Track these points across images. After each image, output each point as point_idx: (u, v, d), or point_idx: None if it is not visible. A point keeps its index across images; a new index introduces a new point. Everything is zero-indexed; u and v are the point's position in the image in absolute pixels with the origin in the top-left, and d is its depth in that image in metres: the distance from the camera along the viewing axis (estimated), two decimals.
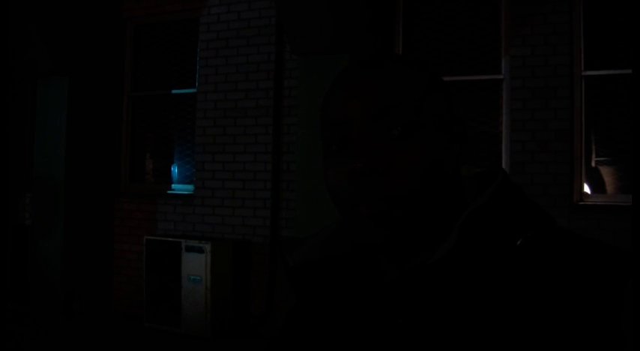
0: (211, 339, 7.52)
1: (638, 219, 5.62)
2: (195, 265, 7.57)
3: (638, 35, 5.73)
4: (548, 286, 0.99)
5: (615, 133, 6.87)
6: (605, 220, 6.54)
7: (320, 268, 1.26)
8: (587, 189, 6.88)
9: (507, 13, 7.14)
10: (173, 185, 8.86)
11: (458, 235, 1.05)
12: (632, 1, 5.95)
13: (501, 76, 7.16)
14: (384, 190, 1.04)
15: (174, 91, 8.95)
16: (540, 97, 6.87)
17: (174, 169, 8.95)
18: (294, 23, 6.62)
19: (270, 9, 7.93)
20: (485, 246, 1.06)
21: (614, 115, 6.85)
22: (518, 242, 1.05)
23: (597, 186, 6.90)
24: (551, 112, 6.82)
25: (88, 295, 8.50)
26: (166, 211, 8.63)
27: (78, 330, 7.99)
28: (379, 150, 1.05)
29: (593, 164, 6.92)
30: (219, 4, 8.38)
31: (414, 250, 1.11)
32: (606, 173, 6.93)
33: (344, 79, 1.15)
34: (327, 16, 6.41)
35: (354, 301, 1.19)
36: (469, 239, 1.05)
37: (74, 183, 8.41)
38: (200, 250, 7.53)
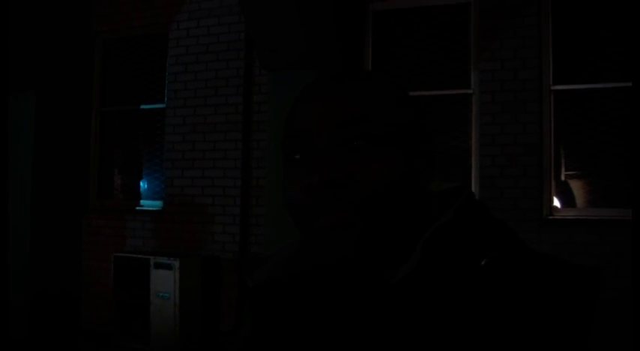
0: None
1: (638, 223, 5.66)
2: (164, 282, 7.51)
3: (638, 42, 5.78)
4: (515, 307, 0.97)
5: (584, 146, 6.90)
6: (576, 234, 6.57)
7: (281, 287, 1.23)
8: (557, 203, 6.90)
9: (477, 27, 7.16)
10: (142, 201, 8.79)
11: (421, 253, 1.02)
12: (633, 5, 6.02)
13: (471, 91, 7.17)
14: (345, 202, 1.02)
15: (143, 107, 8.88)
16: (510, 111, 6.89)
17: (143, 185, 8.89)
18: (263, 38, 6.61)
19: (239, 24, 7.91)
20: (448, 265, 1.03)
21: (582, 129, 6.88)
22: (483, 262, 1.02)
23: (567, 200, 6.92)
24: (521, 126, 6.84)
25: (55, 313, 8.39)
26: (135, 227, 8.56)
27: (45, 348, 7.89)
28: (339, 162, 1.03)
29: (562, 178, 6.95)
30: (188, 18, 8.35)
31: (379, 266, 1.08)
32: (576, 187, 6.96)
33: (310, 92, 1.13)
34: (297, 30, 6.40)
35: (317, 321, 1.16)
36: (432, 258, 1.02)
37: (41, 199, 8.31)
38: (169, 267, 7.47)
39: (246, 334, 1.37)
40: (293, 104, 1.15)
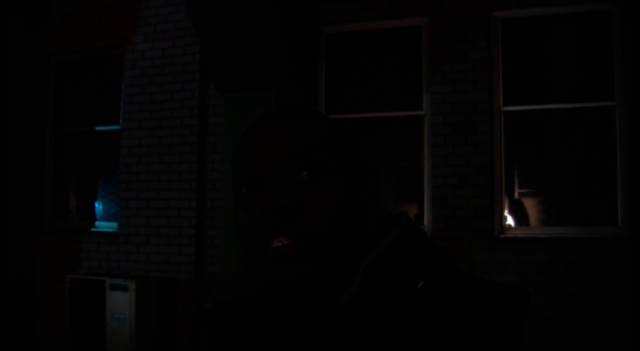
0: None
1: (638, 231, 5.80)
2: (120, 304, 7.47)
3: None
4: (448, 326, 1.03)
5: (534, 166, 7.02)
6: (526, 253, 6.67)
7: (234, 310, 1.28)
8: (511, 221, 6.99)
9: (428, 50, 7.28)
10: (97, 223, 8.75)
11: (361, 279, 1.08)
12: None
13: (423, 112, 7.27)
14: (295, 227, 1.08)
15: (98, 128, 8.86)
16: (461, 132, 6.99)
17: (99, 207, 8.86)
18: (217, 60, 6.63)
19: (194, 46, 7.94)
20: (388, 289, 1.09)
21: (532, 149, 7.00)
22: (419, 285, 1.09)
23: (519, 218, 7.02)
24: (472, 147, 6.95)
25: (10, 335, 8.31)
26: (90, 249, 8.50)
27: None
28: (289, 191, 1.10)
29: (515, 197, 7.04)
30: (143, 40, 8.36)
31: (323, 290, 1.15)
32: (527, 206, 7.06)
33: (255, 128, 1.20)
34: (250, 53, 6.44)
35: (267, 343, 1.22)
36: (372, 283, 1.09)
37: None
38: (124, 289, 7.44)
39: None
40: (240, 140, 1.21)
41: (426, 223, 7.14)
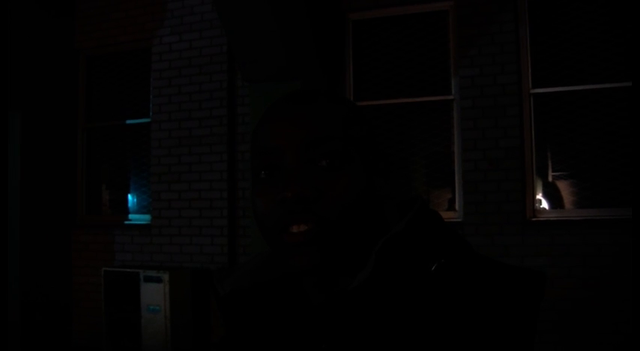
0: None
1: (638, 223, 5.73)
2: (154, 295, 7.53)
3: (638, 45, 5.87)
4: (462, 309, 1.03)
5: (565, 148, 6.96)
6: (559, 236, 6.62)
7: (249, 296, 1.29)
8: (545, 204, 6.95)
9: (455, 34, 7.24)
10: (130, 215, 8.82)
11: (375, 262, 1.09)
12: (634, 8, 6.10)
13: (452, 97, 7.25)
14: (314, 215, 1.09)
15: (128, 121, 8.92)
16: (490, 116, 6.95)
17: (131, 199, 8.92)
18: (243, 50, 6.65)
19: (221, 37, 7.96)
20: (401, 272, 1.10)
21: (562, 131, 6.95)
22: (433, 268, 1.09)
23: (551, 201, 6.97)
24: (502, 131, 6.90)
25: (47, 329, 8.40)
26: (124, 242, 8.58)
27: None
28: (309, 180, 1.10)
29: (547, 180, 7.00)
30: (170, 33, 8.39)
31: (338, 275, 1.16)
32: (559, 188, 7.01)
33: (275, 113, 1.19)
34: (277, 43, 6.45)
35: (282, 327, 1.24)
36: (386, 266, 1.09)
37: (29, 216, 8.32)
38: (158, 280, 7.49)
39: (218, 341, 1.42)
40: (258, 124, 1.21)
41: (457, 207, 7.13)
